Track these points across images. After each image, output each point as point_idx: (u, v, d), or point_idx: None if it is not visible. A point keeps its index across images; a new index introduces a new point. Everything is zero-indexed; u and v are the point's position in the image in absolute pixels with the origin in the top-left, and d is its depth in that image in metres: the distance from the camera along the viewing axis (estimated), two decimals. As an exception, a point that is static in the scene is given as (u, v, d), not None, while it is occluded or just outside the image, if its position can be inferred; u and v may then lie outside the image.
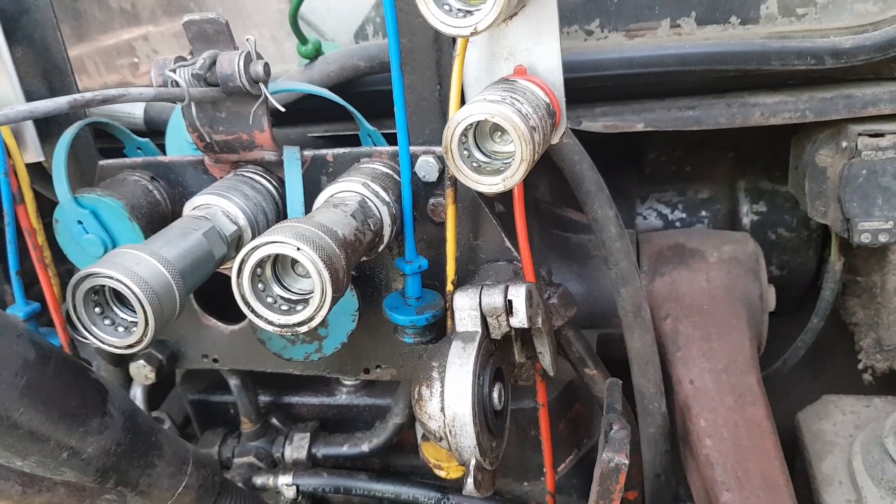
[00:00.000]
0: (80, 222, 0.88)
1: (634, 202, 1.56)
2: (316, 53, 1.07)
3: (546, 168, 0.99)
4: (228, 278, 0.85)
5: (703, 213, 1.51)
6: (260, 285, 0.69)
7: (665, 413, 1.08)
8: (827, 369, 1.56)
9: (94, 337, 0.68)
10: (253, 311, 0.68)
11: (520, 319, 0.78)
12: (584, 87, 1.06)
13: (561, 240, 1.29)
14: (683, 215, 1.53)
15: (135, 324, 0.67)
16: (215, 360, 1.09)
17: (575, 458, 1.26)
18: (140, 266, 0.66)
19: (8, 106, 0.95)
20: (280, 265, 0.71)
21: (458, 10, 0.68)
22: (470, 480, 0.74)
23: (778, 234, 1.44)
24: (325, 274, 0.64)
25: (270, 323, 0.68)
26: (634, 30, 1.07)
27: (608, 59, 1.04)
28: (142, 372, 1.06)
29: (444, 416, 0.74)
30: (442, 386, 0.74)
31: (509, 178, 0.71)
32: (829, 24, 1.00)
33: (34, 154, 1.00)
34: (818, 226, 1.40)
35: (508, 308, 0.78)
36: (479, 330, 0.79)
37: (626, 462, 0.84)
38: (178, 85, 0.79)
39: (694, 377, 1.12)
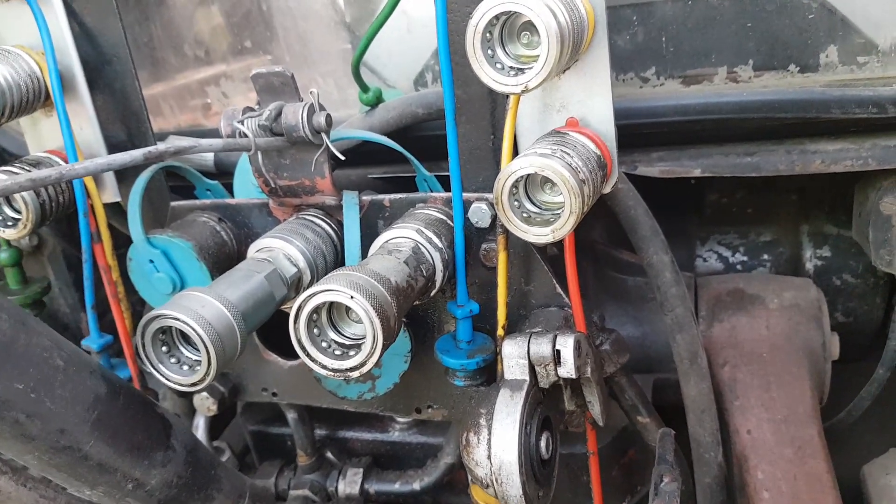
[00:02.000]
0: (151, 261, 0.93)
1: (694, 244, 1.54)
2: (376, 101, 1.11)
3: (603, 210, 1.00)
4: (288, 316, 0.88)
5: (765, 256, 1.48)
6: (315, 330, 0.71)
7: (721, 463, 1.06)
8: (895, 421, 1.49)
9: (161, 375, 0.72)
10: (308, 355, 0.71)
11: (567, 370, 0.79)
12: (641, 133, 1.07)
13: (617, 282, 1.28)
14: (745, 258, 1.50)
15: (198, 362, 0.71)
16: (274, 394, 1.13)
17: (628, 504, 1.24)
18: (205, 308, 0.70)
19: (92, 154, 1.04)
20: (335, 311, 0.74)
21: (510, 68, 0.70)
22: (516, 528, 0.75)
23: (843, 280, 1.40)
24: (377, 321, 0.67)
25: (324, 367, 0.70)
26: (691, 76, 1.07)
27: (664, 105, 1.05)
28: (205, 403, 1.10)
29: (491, 464, 0.75)
30: (489, 434, 0.75)
31: (558, 230, 0.73)
32: (891, 71, 0.98)
33: (111, 195, 1.07)
34: (885, 273, 1.36)
35: (556, 358, 0.79)
36: (527, 378, 0.79)
37: (677, 515, 0.83)
38: (245, 135, 0.83)
39: (752, 427, 1.10)
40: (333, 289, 0.67)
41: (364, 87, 1.10)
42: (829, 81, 1.00)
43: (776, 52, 1.02)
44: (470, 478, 1.13)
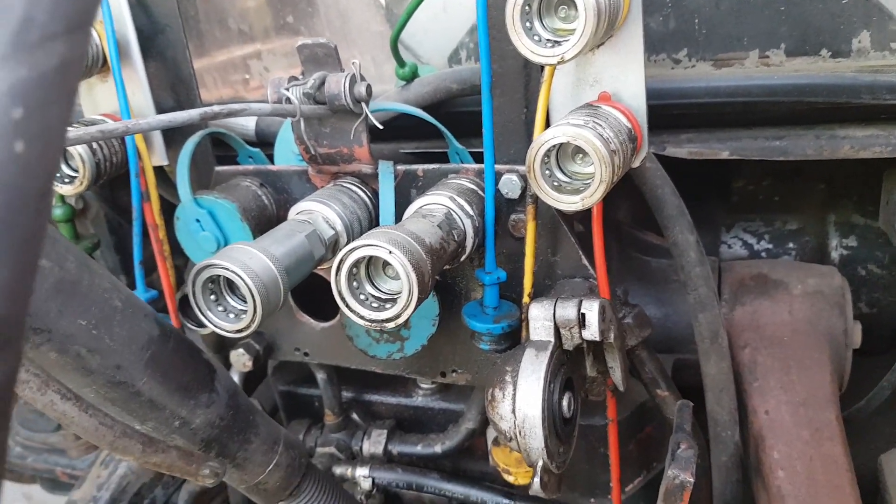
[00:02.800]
0: (197, 220, 0.98)
1: (720, 230, 1.56)
2: (412, 76, 1.15)
3: (628, 191, 1.03)
4: (322, 279, 0.93)
5: (791, 244, 1.50)
6: (354, 283, 0.76)
7: (738, 442, 1.08)
8: (915, 411, 1.50)
9: (209, 321, 0.77)
10: (347, 305, 0.75)
11: (592, 332, 0.82)
12: (670, 114, 1.09)
13: (640, 263, 1.31)
14: (770, 246, 1.52)
15: (244, 311, 0.76)
16: (306, 354, 1.18)
17: (644, 480, 1.27)
18: (252, 260, 0.74)
19: (145, 116, 1.09)
20: (373, 267, 0.78)
21: (547, 40, 0.74)
22: (536, 481, 0.79)
23: (868, 271, 1.41)
24: (413, 276, 0.71)
25: (362, 318, 0.75)
26: (722, 60, 1.09)
27: (695, 87, 1.07)
28: (241, 360, 1.15)
29: (515, 417, 0.78)
30: (514, 389, 0.79)
31: (588, 198, 0.76)
32: (924, 59, 1.00)
33: (160, 158, 1.12)
34: (911, 263, 1.37)
35: (581, 321, 0.82)
36: (552, 340, 0.83)
37: (691, 480, 0.86)
38: (290, 102, 0.88)
39: (770, 408, 1.12)
40: (374, 243, 0.71)
41: (401, 63, 1.14)
42: (860, 67, 1.01)
43: (808, 36, 1.03)
44: (490, 442, 1.17)
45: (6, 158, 0.23)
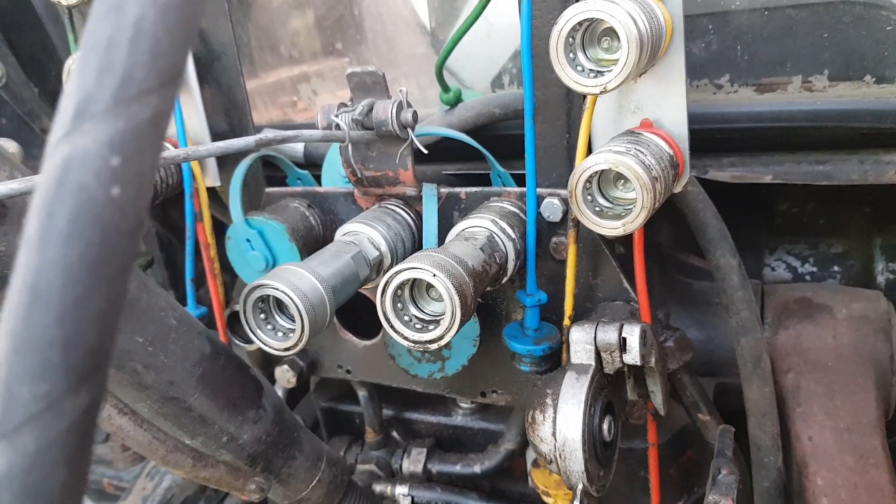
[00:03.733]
0: (248, 240, 1.02)
1: (763, 253, 1.54)
2: (456, 100, 1.17)
3: (670, 214, 1.03)
4: (364, 297, 0.95)
5: (836, 268, 1.48)
6: (399, 305, 0.78)
7: (781, 468, 1.07)
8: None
9: (258, 339, 0.80)
10: (392, 326, 0.77)
11: (633, 357, 0.83)
12: (713, 139, 1.09)
13: (682, 285, 1.31)
14: (814, 269, 1.50)
15: (292, 330, 0.78)
16: (348, 371, 1.21)
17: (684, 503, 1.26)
18: (301, 281, 0.77)
19: (199, 143, 1.13)
20: (417, 289, 0.80)
21: (590, 70, 0.75)
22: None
23: (915, 295, 1.38)
24: (456, 299, 0.73)
25: (405, 338, 0.77)
26: (765, 85, 1.09)
27: (737, 112, 1.07)
28: (285, 376, 1.18)
29: (556, 440, 0.79)
30: (555, 412, 0.80)
31: (629, 224, 0.77)
32: (970, 85, 0.99)
33: (213, 180, 1.16)
34: (960, 288, 1.34)
35: (622, 345, 0.83)
36: (593, 363, 0.84)
37: (732, 506, 0.86)
38: (339, 128, 0.91)
39: (813, 434, 1.10)
40: (419, 266, 0.73)
41: (445, 88, 1.16)
42: (905, 93, 1.00)
43: (852, 62, 1.03)
44: (529, 463, 1.18)
45: (104, 201, 0.25)
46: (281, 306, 0.80)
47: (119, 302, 0.26)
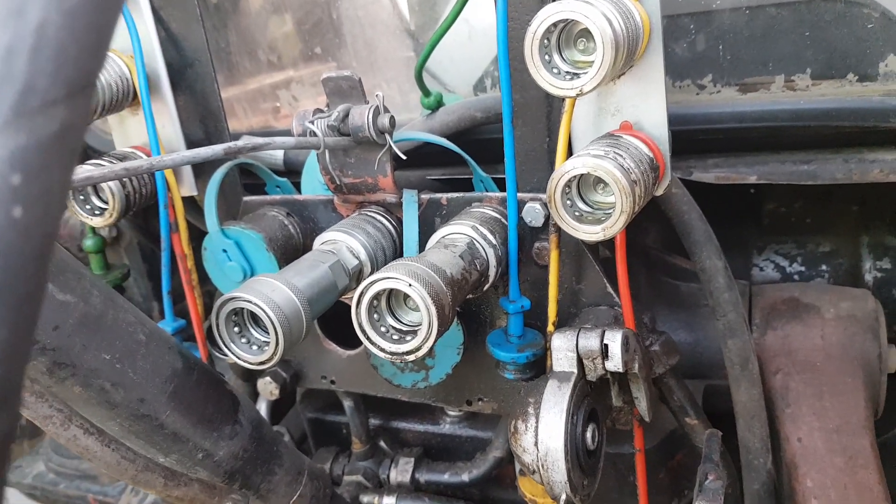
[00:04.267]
0: (224, 251, 1.00)
1: (751, 253, 1.54)
2: (437, 105, 1.16)
3: (657, 216, 1.02)
4: (348, 307, 0.93)
5: (824, 267, 1.47)
6: (375, 315, 0.76)
7: (770, 470, 1.06)
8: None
9: (232, 353, 0.78)
10: (368, 338, 0.75)
11: (615, 363, 0.81)
12: (696, 139, 1.08)
13: (670, 287, 1.30)
14: (802, 269, 1.49)
15: (267, 343, 0.77)
16: (332, 382, 1.19)
17: (675, 508, 1.25)
18: (275, 293, 0.75)
19: (173, 151, 1.11)
20: (394, 299, 0.78)
21: (566, 72, 0.74)
22: (560, 515, 0.78)
23: (904, 293, 1.38)
24: (433, 309, 0.71)
25: (382, 350, 0.75)
26: (748, 84, 1.08)
27: (720, 112, 1.06)
28: (268, 388, 1.16)
29: (538, 450, 0.78)
30: (537, 421, 0.78)
31: (609, 228, 0.76)
32: (954, 81, 0.98)
33: (189, 189, 1.14)
34: (949, 286, 1.33)
35: (604, 352, 0.82)
36: (575, 371, 0.82)
37: (720, 513, 0.84)
38: (315, 135, 0.89)
39: (802, 435, 1.09)
40: (394, 276, 0.71)
41: (426, 92, 1.15)
42: (888, 91, 0.99)
43: (834, 61, 1.02)
44: (518, 470, 1.16)
45: (4, 224, 0.23)
46: (255, 319, 0.79)
47: (27, 333, 0.24)
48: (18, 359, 0.24)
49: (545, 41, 0.73)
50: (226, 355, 0.80)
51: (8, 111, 0.23)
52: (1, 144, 0.23)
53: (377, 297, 0.75)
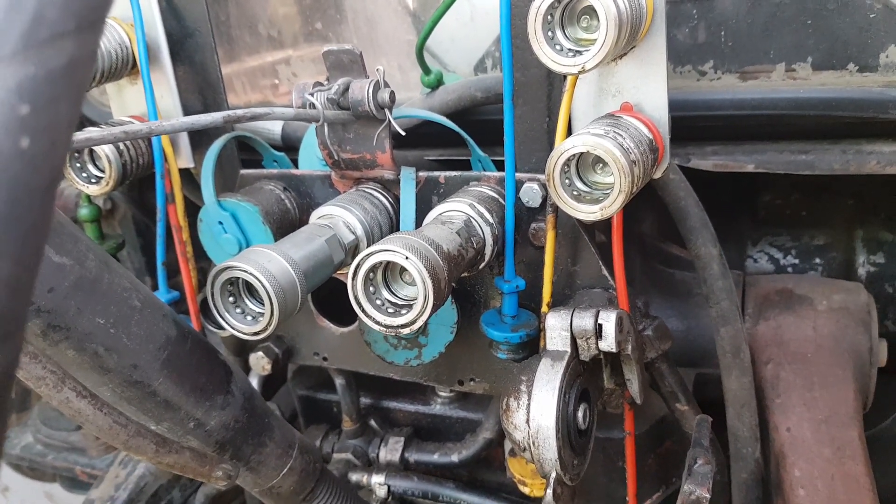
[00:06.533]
0: (220, 223, 0.99)
1: (746, 244, 1.54)
2: (437, 83, 1.15)
3: (653, 203, 1.02)
4: (343, 284, 0.93)
5: (818, 260, 1.47)
6: (371, 288, 0.76)
7: (759, 459, 1.07)
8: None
9: (226, 322, 0.78)
10: (363, 310, 0.75)
11: (608, 343, 0.81)
12: (696, 126, 1.08)
13: (664, 275, 1.30)
14: (796, 261, 1.50)
15: (262, 314, 0.76)
16: (325, 359, 1.19)
17: (663, 494, 1.25)
18: (271, 263, 0.75)
19: (171, 118, 1.11)
20: (390, 272, 0.78)
21: (569, 49, 0.73)
22: (549, 492, 0.78)
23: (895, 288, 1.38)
24: (429, 283, 0.71)
25: (377, 322, 0.75)
26: (748, 72, 1.08)
27: (720, 99, 1.06)
28: (260, 363, 1.16)
29: (529, 427, 0.78)
30: (528, 399, 0.78)
31: (607, 208, 0.76)
32: (954, 74, 0.98)
33: (186, 160, 1.13)
34: (941, 282, 1.34)
35: (598, 332, 0.82)
36: (569, 350, 0.82)
37: (708, 496, 0.85)
38: (314, 107, 0.88)
39: (792, 425, 1.10)
40: (390, 248, 0.71)
41: (426, 70, 1.14)
42: (888, 82, 0.99)
43: (835, 50, 1.02)
44: (507, 451, 1.17)
45: (12, 154, 0.23)
46: (250, 289, 0.78)
47: (33, 266, 0.24)
48: (22, 294, 0.24)
49: (548, 17, 0.73)
50: (220, 326, 0.79)
51: (17, 41, 0.23)
52: (10, 74, 0.23)
53: (373, 269, 0.75)
